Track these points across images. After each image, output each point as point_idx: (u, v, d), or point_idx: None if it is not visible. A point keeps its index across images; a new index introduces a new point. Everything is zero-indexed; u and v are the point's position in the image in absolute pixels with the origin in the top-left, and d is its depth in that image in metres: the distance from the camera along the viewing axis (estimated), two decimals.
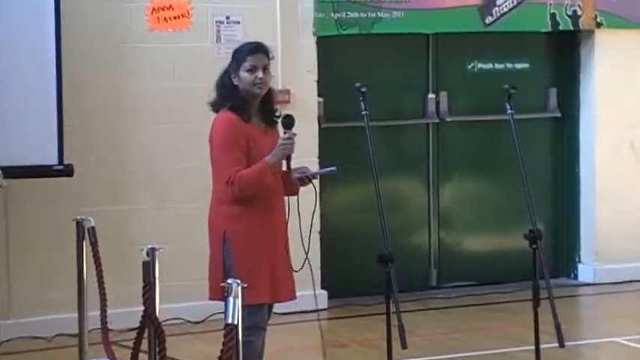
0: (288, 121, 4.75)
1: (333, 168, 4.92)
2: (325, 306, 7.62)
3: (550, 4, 8.26)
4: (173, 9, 7.39)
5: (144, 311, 3.93)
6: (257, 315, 4.69)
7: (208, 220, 4.86)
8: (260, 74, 4.76)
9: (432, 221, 8.44)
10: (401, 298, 4.56)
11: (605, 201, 8.52)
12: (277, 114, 4.92)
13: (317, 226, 6.84)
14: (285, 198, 4.87)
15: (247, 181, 4.66)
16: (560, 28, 8.35)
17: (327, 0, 7.75)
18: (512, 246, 7.74)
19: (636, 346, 6.65)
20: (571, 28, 8.39)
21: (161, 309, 3.97)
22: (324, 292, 7.55)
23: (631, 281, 8.42)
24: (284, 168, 4.81)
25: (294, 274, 4.90)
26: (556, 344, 4.85)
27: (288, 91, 7.55)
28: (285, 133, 4.75)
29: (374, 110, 4.84)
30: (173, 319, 6.93)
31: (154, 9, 7.36)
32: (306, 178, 4.83)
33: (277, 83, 6.89)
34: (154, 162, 7.35)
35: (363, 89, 4.74)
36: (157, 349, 3.86)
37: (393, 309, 4.48)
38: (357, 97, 4.75)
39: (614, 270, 8.48)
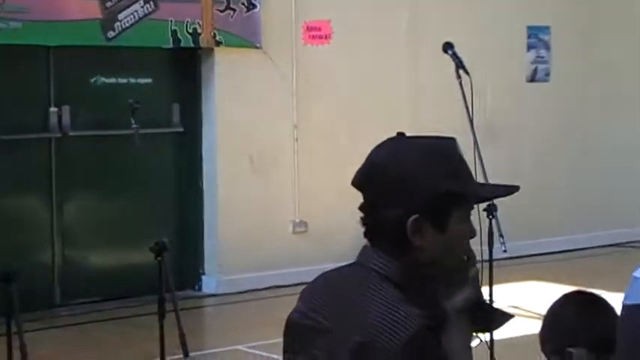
0: None
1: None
2: None
3: (171, 21, 8.37)
4: None
5: None
6: None
7: None
8: None
9: (56, 238, 8.26)
10: (24, 318, 4.44)
11: (227, 214, 8.75)
12: None
13: None
14: None
15: None
16: (182, 45, 8.48)
17: None
18: (139, 260, 7.76)
19: (258, 352, 6.87)
20: (192, 45, 8.55)
21: None
22: None
23: (252, 290, 8.69)
24: None
25: None
26: (182, 355, 4.93)
27: None
28: None
29: None
30: None
31: None
32: None
33: None
34: None
35: None
36: None
37: (15, 329, 4.35)
38: None
39: (235, 280, 8.71)
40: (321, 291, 2.28)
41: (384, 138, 2.22)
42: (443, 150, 2.22)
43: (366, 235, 2.22)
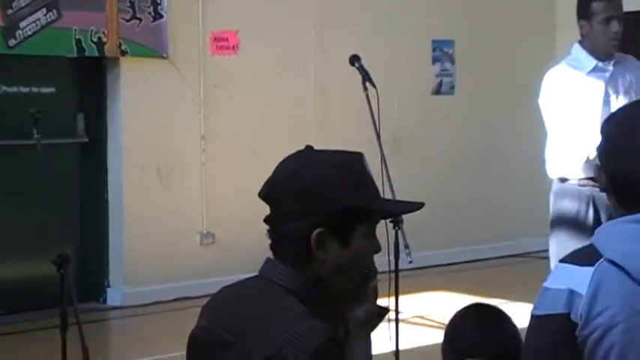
0: None
1: None
2: None
3: (75, 30, 8.25)
4: None
5: None
6: None
7: None
8: None
9: None
10: None
11: (133, 225, 8.65)
12: None
13: None
14: None
15: None
16: (86, 54, 8.37)
17: None
18: (42, 272, 7.61)
19: None
20: (97, 54, 8.45)
21: None
22: None
23: (158, 303, 8.60)
24: None
25: None
26: None
27: None
28: None
29: None
30: None
31: None
32: None
33: None
34: None
35: None
36: None
37: None
38: None
39: (141, 293, 8.62)
40: (223, 305, 2.26)
41: (292, 150, 2.23)
42: (349, 164, 2.22)
43: (271, 246, 2.22)
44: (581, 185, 5.31)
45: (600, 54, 5.32)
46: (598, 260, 2.25)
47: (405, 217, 5.12)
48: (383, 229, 5.38)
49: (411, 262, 5.09)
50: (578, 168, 5.28)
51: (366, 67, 5.72)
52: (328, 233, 2.16)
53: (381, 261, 5.95)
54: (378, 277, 2.33)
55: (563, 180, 5.38)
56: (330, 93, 9.51)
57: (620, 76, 5.44)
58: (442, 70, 10.26)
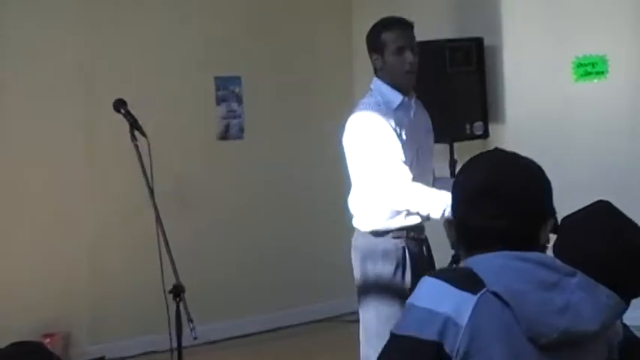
0: None
1: None
2: None
3: None
4: None
5: None
6: None
7: None
8: None
9: None
10: None
11: None
12: None
13: None
14: None
15: None
16: None
17: None
18: None
19: None
20: None
21: None
22: None
23: None
24: None
25: None
26: None
27: None
28: None
29: None
30: None
31: None
32: None
33: None
34: None
35: None
36: None
37: None
38: None
39: None
40: None
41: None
42: None
43: None
44: (394, 237, 5.01)
45: (400, 87, 5.10)
46: (479, 288, 2.20)
47: (188, 283, 4.74)
48: (162, 302, 4.74)
49: (195, 338, 4.52)
50: (391, 218, 5.01)
51: (135, 113, 5.23)
52: None
53: (161, 339, 4.69)
54: None
55: (373, 233, 5.04)
56: (101, 144, 8.01)
57: (422, 114, 5.30)
58: (229, 112, 8.89)
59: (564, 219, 2.79)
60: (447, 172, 7.25)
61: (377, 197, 4.97)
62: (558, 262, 2.34)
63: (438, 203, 4.75)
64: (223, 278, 8.53)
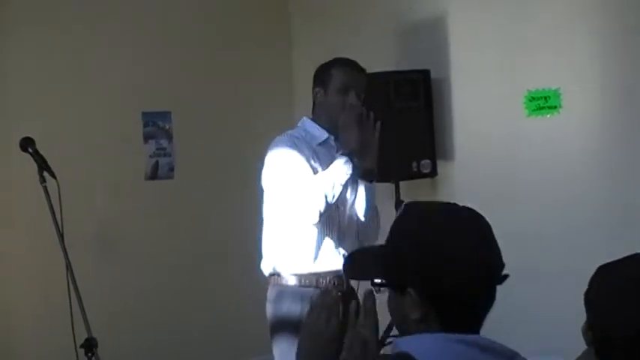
0: None
1: None
2: None
3: None
4: None
5: None
6: None
7: None
8: None
9: None
10: None
11: None
12: None
13: None
14: None
15: None
16: None
17: None
18: None
19: None
20: None
21: None
22: None
23: None
24: None
25: None
26: None
27: None
28: None
29: None
30: None
31: None
32: None
33: None
34: None
35: None
36: None
37: None
38: None
39: None
40: None
41: None
42: None
43: None
44: (302, 286, 4.87)
45: (330, 127, 4.98)
46: None
47: (100, 338, 4.60)
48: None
49: None
50: (300, 264, 4.88)
51: (48, 152, 4.98)
52: None
53: None
54: None
55: (280, 278, 4.94)
56: (14, 187, 7.34)
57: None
58: (158, 149, 8.28)
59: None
60: (392, 214, 6.70)
61: (293, 213, 4.79)
62: (497, 344, 2.23)
63: (337, 171, 4.73)
64: (139, 331, 7.84)
